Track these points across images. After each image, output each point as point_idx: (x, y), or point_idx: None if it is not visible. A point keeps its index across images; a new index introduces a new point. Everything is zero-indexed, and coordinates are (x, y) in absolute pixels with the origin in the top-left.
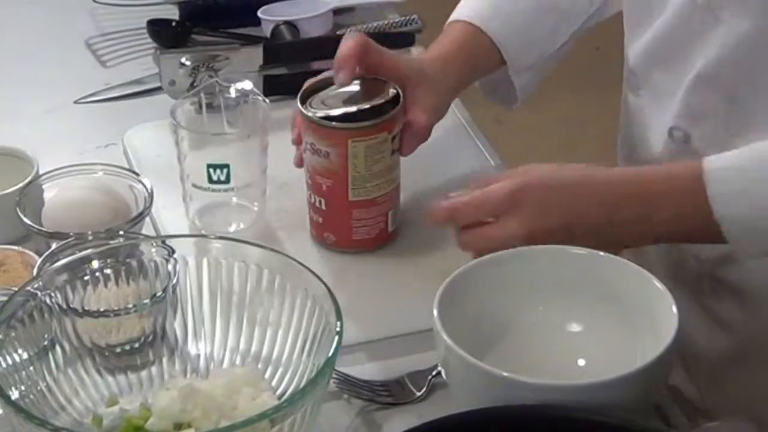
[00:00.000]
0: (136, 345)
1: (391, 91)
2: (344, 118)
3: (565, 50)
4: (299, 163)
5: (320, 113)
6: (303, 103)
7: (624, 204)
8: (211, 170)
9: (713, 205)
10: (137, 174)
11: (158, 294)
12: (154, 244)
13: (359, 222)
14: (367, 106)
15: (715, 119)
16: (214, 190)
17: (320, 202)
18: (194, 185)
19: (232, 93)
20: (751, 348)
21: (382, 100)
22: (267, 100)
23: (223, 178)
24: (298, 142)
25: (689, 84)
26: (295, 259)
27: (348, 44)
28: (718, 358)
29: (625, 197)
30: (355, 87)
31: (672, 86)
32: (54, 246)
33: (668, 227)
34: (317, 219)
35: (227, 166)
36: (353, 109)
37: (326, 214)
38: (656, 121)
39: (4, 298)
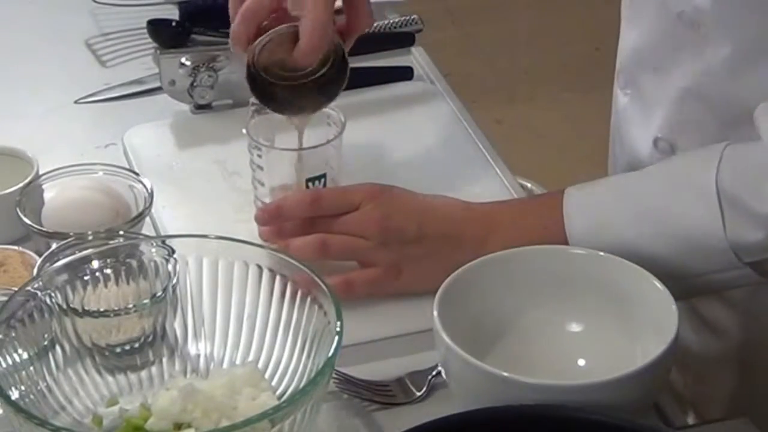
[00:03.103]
0: (136, 345)
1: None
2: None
3: None
4: None
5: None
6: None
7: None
8: (310, 183)
9: (570, 240)
10: (137, 174)
11: (158, 294)
12: (154, 244)
13: None
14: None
15: (703, 132)
16: None
17: None
18: None
19: None
20: (738, 350)
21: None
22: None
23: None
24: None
25: (676, 96)
26: (295, 259)
27: None
28: (705, 359)
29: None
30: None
31: (658, 95)
32: (54, 246)
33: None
34: None
35: (324, 175)
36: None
37: None
38: (641, 126)
39: (4, 298)
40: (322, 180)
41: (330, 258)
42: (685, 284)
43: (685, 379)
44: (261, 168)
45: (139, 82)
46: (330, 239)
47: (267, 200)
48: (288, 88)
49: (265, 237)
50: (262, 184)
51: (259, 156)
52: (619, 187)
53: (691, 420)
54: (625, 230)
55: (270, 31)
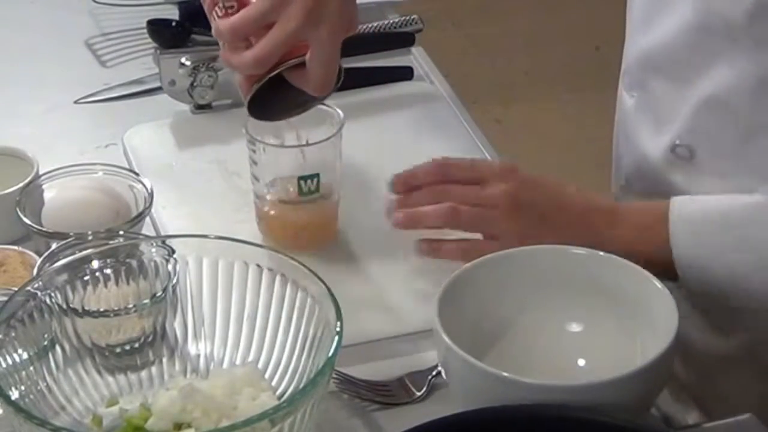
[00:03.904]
0: (136, 345)
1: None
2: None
3: None
4: None
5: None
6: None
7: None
8: (302, 182)
9: (674, 249)
10: (137, 174)
11: (158, 294)
12: (154, 244)
13: None
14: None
15: (725, 138)
16: (305, 202)
17: None
18: (281, 200)
19: None
20: (740, 349)
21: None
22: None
23: (313, 188)
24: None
25: (698, 104)
26: (295, 259)
27: None
28: (709, 357)
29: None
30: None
31: (674, 101)
32: (54, 246)
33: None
34: None
35: (317, 175)
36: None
37: None
38: (651, 129)
39: (4, 298)
40: (315, 179)
41: (459, 227)
42: None
43: (689, 377)
44: (256, 163)
45: (139, 82)
46: (461, 207)
47: (264, 195)
48: (284, 96)
49: (396, 207)
50: (258, 180)
51: (254, 152)
52: (728, 213)
53: (693, 419)
54: (733, 262)
55: (276, 69)
